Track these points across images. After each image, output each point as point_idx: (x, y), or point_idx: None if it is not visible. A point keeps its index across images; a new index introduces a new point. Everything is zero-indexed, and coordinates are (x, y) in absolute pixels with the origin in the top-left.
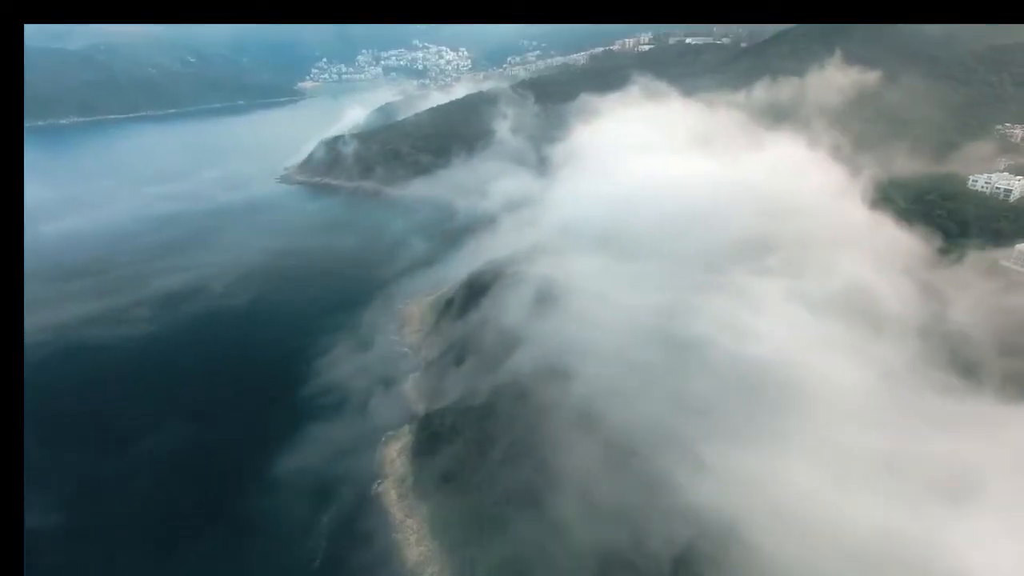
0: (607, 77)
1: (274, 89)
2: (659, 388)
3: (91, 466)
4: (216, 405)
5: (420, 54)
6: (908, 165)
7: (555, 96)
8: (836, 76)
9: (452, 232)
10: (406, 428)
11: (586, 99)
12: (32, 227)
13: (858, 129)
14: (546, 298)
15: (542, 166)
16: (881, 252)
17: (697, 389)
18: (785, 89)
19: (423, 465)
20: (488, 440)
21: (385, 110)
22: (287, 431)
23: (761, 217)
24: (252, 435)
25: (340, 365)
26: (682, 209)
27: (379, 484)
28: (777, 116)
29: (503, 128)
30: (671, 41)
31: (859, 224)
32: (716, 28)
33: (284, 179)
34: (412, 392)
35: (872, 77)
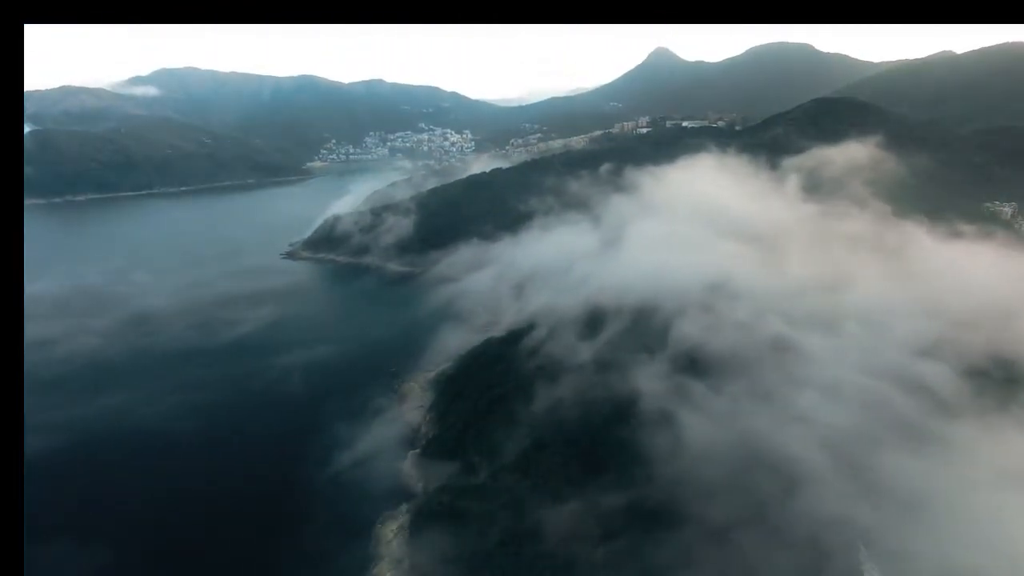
0: (610, 155)
1: (283, 168)
2: None
3: None
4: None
5: (425, 136)
6: None
7: (583, 167)
8: (830, 154)
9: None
10: (403, 507)
11: (620, 170)
12: (115, 309)
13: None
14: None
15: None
16: None
17: None
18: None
19: (420, 546)
20: (488, 521)
21: (392, 189)
22: (282, 513)
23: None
24: (253, 516)
25: (342, 443)
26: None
27: (374, 567)
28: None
29: (536, 200)
30: (668, 125)
31: None
32: (710, 113)
33: (289, 255)
34: (411, 470)
35: (865, 155)
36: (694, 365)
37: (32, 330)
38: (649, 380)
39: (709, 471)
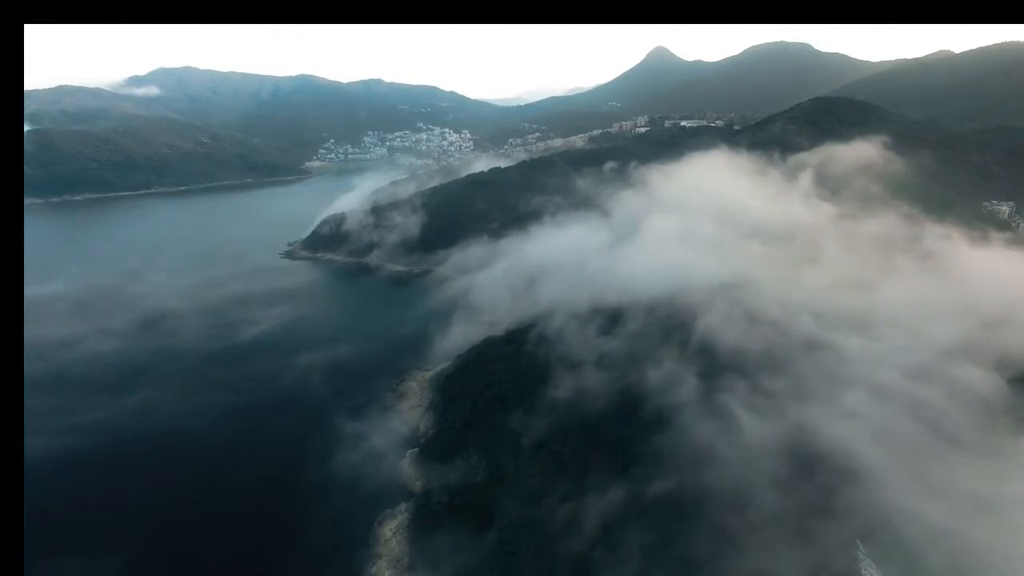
0: (612, 154)
1: (282, 168)
2: None
3: None
4: (225, 488)
5: (424, 135)
6: None
7: (586, 165)
8: (830, 153)
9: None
10: (403, 506)
11: (624, 167)
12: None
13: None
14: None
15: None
16: None
17: None
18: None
19: (419, 546)
20: (488, 519)
21: (394, 188)
22: (282, 512)
23: None
24: (254, 515)
25: (343, 443)
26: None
27: (373, 565)
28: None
29: (543, 197)
30: (667, 124)
31: None
32: (709, 112)
33: (288, 255)
34: (410, 469)
35: (864, 154)
36: (726, 362)
37: (54, 331)
38: (677, 375)
39: (764, 462)
